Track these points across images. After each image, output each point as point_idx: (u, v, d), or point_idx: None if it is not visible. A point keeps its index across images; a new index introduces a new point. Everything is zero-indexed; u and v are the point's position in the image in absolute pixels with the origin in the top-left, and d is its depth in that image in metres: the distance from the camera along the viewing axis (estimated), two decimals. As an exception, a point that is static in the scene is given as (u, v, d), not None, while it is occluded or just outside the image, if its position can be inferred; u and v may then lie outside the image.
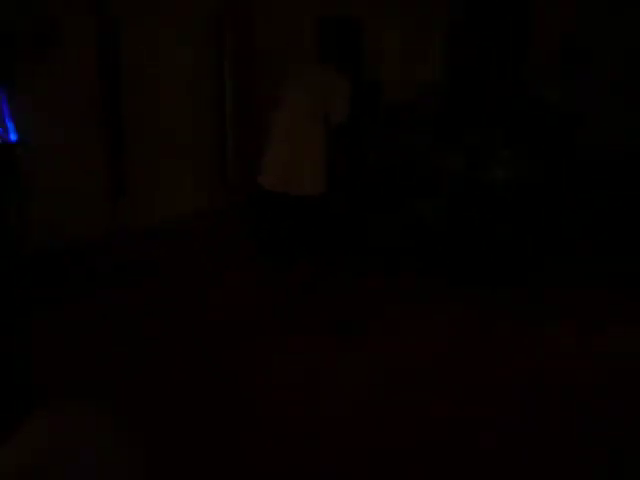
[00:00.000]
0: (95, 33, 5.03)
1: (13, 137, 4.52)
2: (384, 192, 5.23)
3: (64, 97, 4.89)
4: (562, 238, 5.03)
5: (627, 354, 3.45)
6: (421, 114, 5.64)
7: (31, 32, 4.63)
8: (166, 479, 2.47)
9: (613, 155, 5.04)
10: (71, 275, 4.57)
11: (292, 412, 2.92)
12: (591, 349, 3.49)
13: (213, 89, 6.11)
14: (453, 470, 2.51)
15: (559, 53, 5.65)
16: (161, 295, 4.40)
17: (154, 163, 5.67)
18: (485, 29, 5.98)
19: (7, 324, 3.62)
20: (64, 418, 1.63)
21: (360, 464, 2.56)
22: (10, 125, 4.56)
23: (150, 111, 5.58)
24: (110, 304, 4.19)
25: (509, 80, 5.83)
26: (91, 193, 5.17)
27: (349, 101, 3.58)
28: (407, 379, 3.21)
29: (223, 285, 4.57)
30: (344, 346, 3.55)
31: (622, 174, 5.01)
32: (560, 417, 2.85)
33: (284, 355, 3.47)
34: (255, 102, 6.24)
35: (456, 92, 5.94)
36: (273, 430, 2.78)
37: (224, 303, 4.23)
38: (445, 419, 2.84)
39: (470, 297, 4.24)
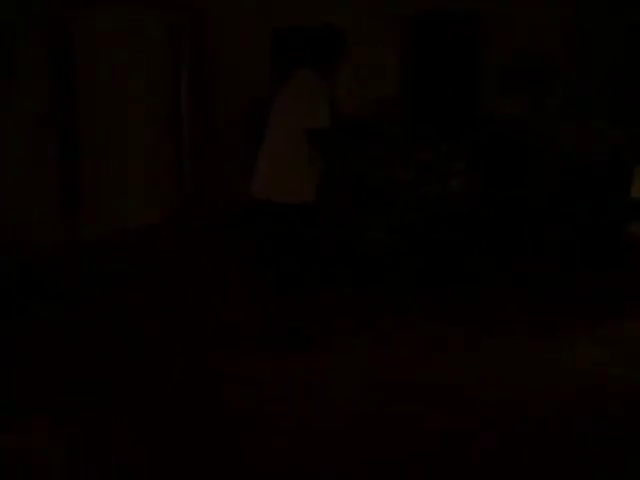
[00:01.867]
0: (47, 49, 4.92)
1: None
2: (340, 203, 5.30)
3: (16, 112, 4.77)
4: (515, 248, 5.21)
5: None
6: (374, 130, 5.72)
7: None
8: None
9: (569, 166, 5.27)
10: (23, 291, 4.47)
11: (284, 424, 2.96)
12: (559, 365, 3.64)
13: (168, 100, 6.05)
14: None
15: (512, 69, 5.86)
16: (124, 306, 4.41)
17: (108, 176, 5.58)
18: (436, 46, 6.12)
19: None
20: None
21: (354, 475, 2.61)
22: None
23: (104, 124, 5.49)
24: (66, 318, 4.16)
25: (462, 96, 5.99)
26: (45, 209, 5.04)
27: (330, 105, 3.55)
28: (398, 391, 3.28)
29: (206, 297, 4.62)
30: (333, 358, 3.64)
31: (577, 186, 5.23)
32: (548, 432, 2.94)
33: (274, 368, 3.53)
34: (210, 111, 6.21)
35: (410, 107, 6.05)
36: (265, 440, 2.83)
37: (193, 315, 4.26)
38: (437, 431, 2.92)
39: (430, 311, 4.38)
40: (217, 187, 6.29)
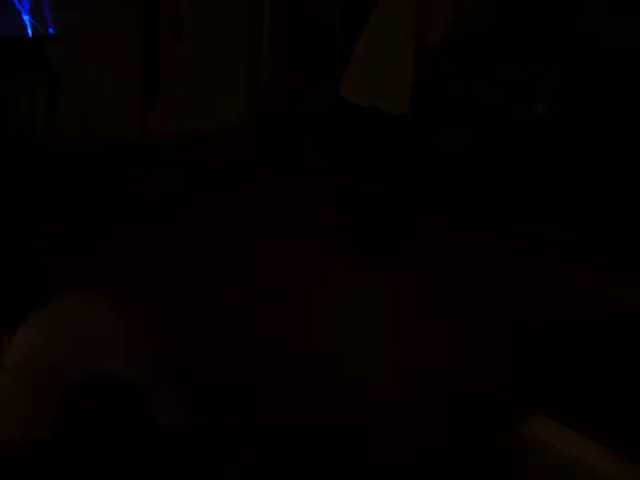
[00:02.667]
0: None
1: (46, 30, 4.45)
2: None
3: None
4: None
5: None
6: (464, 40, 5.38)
7: None
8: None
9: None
10: (98, 176, 4.62)
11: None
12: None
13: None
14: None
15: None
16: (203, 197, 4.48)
17: (189, 69, 5.56)
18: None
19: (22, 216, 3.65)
20: (77, 306, 1.67)
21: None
22: (45, 16, 4.47)
23: (186, 15, 5.43)
24: (138, 201, 4.27)
25: (562, 9, 5.49)
26: (123, 97, 5.10)
27: (446, 19, 3.43)
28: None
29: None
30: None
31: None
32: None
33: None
34: (293, 13, 6.04)
35: (501, 18, 5.64)
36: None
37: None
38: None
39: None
40: (298, 86, 6.16)
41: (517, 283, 3.64)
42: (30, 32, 4.37)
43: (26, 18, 4.33)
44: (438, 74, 4.99)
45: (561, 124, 4.83)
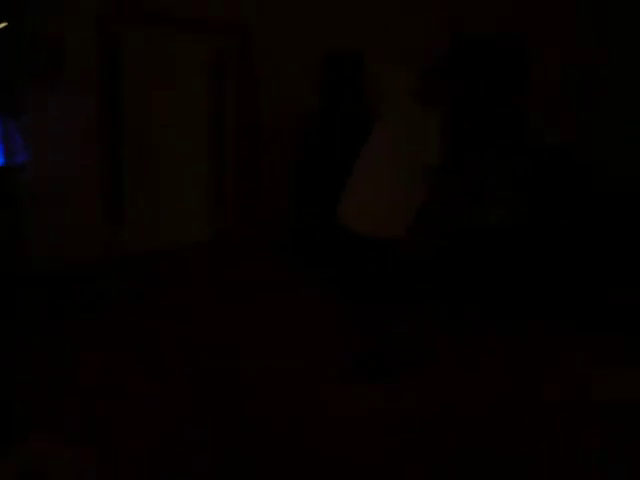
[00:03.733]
0: (96, 65, 5.06)
1: (13, 159, 4.51)
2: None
3: (64, 119, 4.90)
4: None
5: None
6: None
7: (34, 53, 4.67)
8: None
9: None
10: (66, 298, 4.56)
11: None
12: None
13: (213, 116, 6.12)
14: None
15: (560, 85, 5.70)
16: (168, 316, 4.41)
17: (153, 190, 5.67)
18: (483, 71, 6.06)
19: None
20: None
21: None
22: (10, 147, 4.54)
23: (150, 140, 5.60)
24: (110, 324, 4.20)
25: (511, 122, 5.88)
26: (89, 218, 5.15)
27: (439, 140, 3.49)
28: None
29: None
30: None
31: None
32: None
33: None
34: (254, 133, 6.26)
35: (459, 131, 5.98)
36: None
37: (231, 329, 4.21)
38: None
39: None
40: (263, 208, 6.31)
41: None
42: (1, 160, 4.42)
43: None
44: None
45: (514, 226, 5.06)
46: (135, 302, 4.64)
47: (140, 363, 3.68)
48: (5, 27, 4.46)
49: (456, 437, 3.07)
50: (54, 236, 4.88)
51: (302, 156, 6.11)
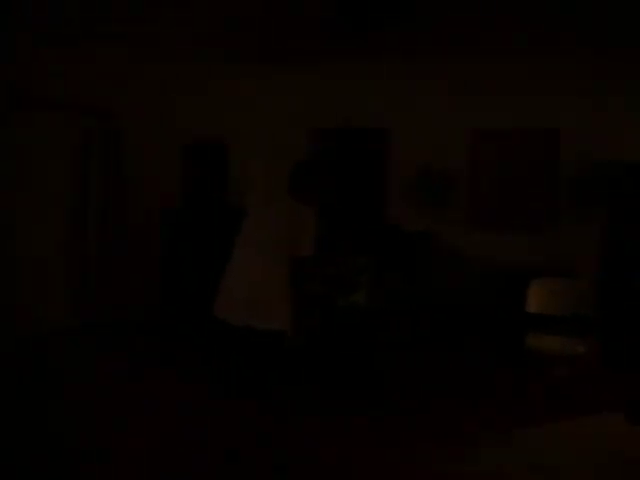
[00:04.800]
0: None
1: None
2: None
3: None
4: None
5: None
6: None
7: None
8: None
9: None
10: None
11: None
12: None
13: (77, 205, 6.06)
14: None
15: (416, 181, 6.14)
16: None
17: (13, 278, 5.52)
18: (344, 159, 6.37)
19: None
20: None
21: None
22: None
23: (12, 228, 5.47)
24: None
25: (369, 208, 6.20)
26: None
27: (312, 233, 3.64)
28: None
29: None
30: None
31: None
32: None
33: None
34: (121, 220, 6.21)
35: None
36: None
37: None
38: None
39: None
40: (128, 297, 6.22)
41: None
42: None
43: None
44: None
45: (374, 308, 5.28)
46: None
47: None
48: None
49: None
50: None
51: (167, 246, 6.13)
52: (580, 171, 5.79)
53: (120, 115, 6.06)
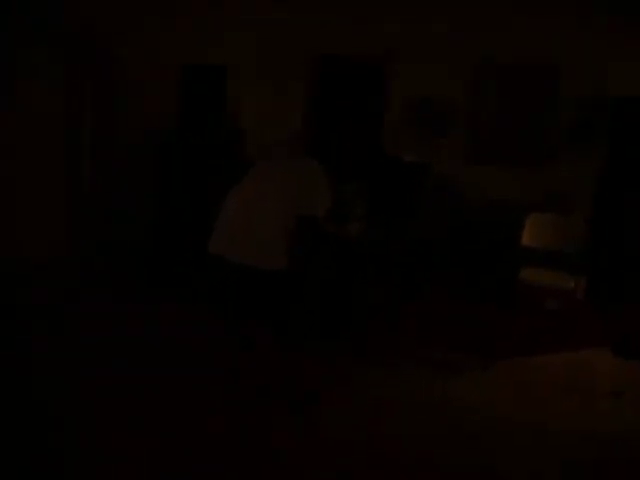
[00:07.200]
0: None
1: None
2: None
3: None
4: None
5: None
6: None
7: None
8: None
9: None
10: None
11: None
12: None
13: (70, 135, 5.95)
14: None
15: (415, 116, 6.05)
16: None
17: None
18: (342, 86, 6.25)
19: None
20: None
21: None
22: None
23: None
24: None
25: (366, 137, 6.12)
26: None
27: (329, 194, 3.63)
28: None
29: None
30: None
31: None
32: None
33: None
34: (112, 154, 6.15)
35: (313, 145, 6.14)
36: None
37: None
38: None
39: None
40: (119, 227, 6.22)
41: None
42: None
43: None
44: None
45: (370, 240, 5.28)
46: None
47: None
48: None
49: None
50: None
51: (160, 173, 6.07)
52: (580, 107, 5.71)
53: (118, 38, 5.88)
